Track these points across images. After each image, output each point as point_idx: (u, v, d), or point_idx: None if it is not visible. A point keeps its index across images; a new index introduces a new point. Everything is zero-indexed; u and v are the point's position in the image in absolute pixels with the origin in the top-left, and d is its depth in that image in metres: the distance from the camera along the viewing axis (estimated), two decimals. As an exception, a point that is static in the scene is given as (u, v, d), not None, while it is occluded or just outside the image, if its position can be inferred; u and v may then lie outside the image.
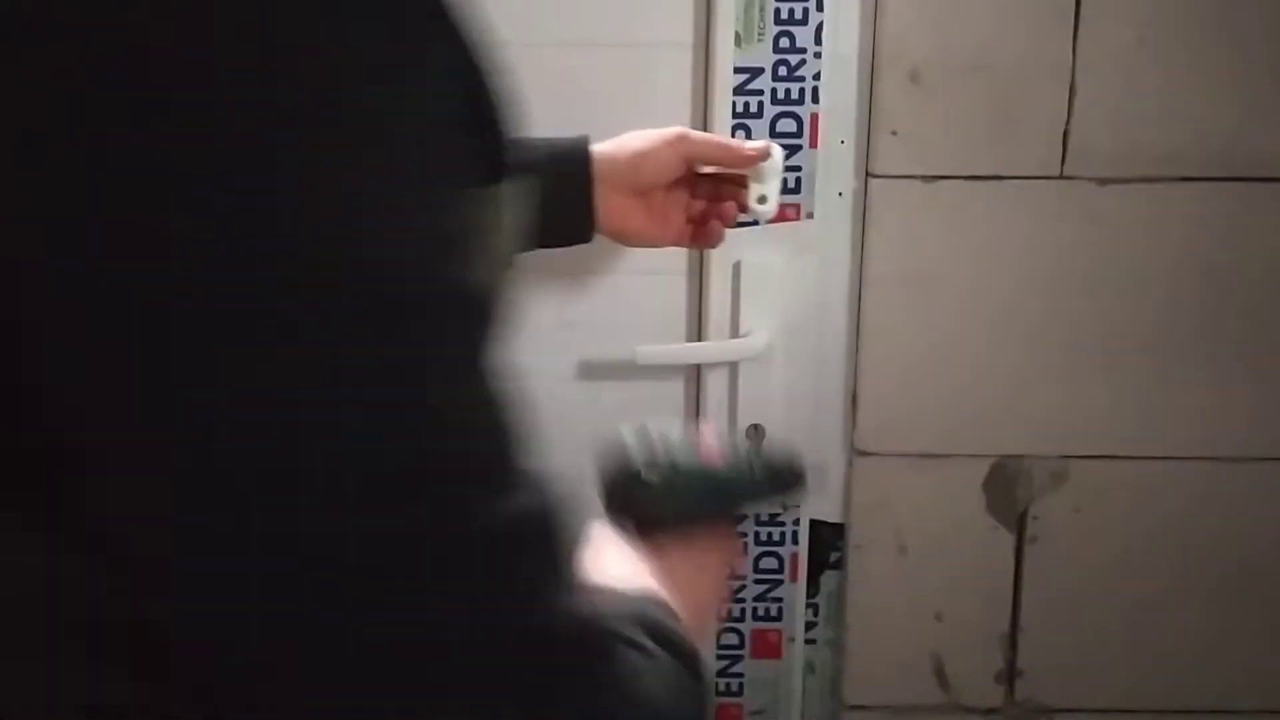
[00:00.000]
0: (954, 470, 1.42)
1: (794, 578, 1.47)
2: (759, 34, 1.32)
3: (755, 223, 1.27)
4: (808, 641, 1.50)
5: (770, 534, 1.46)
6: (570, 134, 1.18)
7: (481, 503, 0.40)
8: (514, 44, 0.52)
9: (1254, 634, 1.47)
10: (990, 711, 1.49)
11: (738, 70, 1.33)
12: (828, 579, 1.49)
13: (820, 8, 1.32)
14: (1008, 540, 1.44)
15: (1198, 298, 1.38)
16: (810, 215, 1.36)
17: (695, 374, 1.43)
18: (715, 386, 1.42)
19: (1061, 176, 1.34)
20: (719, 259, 1.38)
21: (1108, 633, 1.46)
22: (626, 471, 0.78)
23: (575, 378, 1.43)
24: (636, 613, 0.48)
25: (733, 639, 1.49)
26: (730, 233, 1.26)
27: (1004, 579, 1.45)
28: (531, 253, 0.53)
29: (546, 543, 0.43)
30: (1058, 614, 1.46)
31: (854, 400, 1.42)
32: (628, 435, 0.80)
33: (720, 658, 1.48)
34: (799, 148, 1.34)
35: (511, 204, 0.42)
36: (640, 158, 1.17)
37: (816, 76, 1.33)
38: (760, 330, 1.38)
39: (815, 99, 1.34)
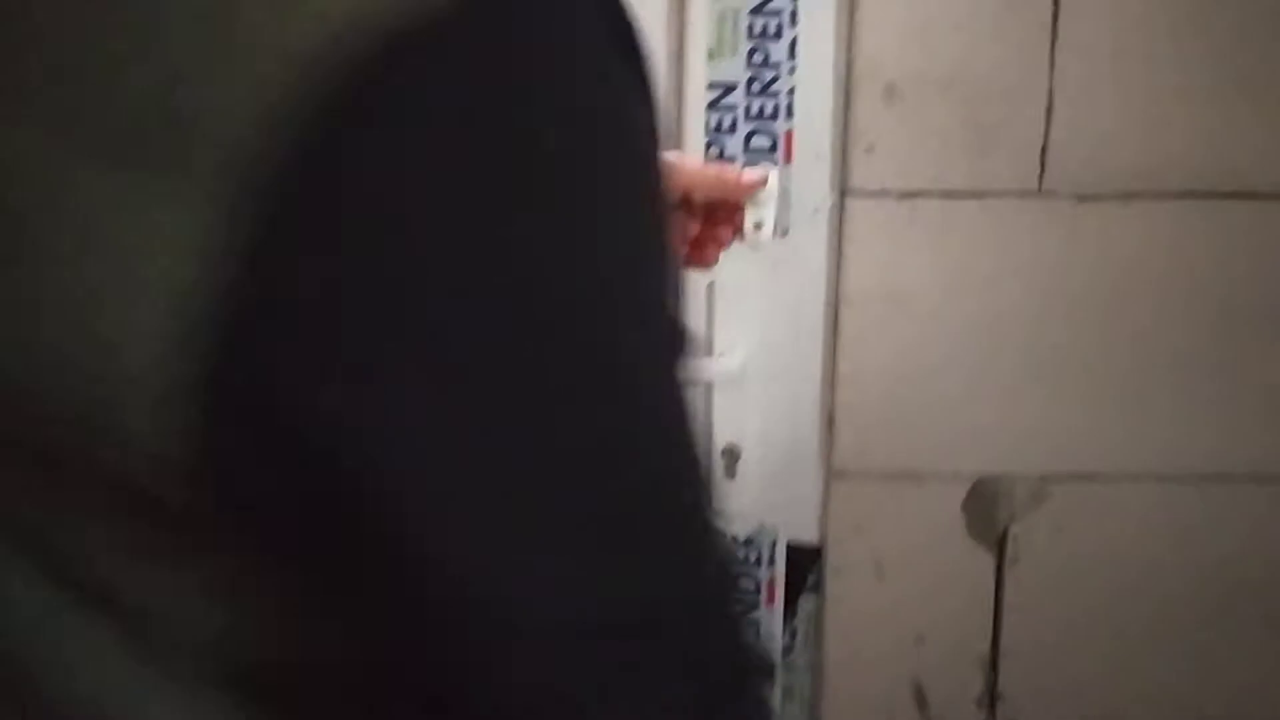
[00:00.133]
0: (933, 490, 1.41)
1: (771, 602, 1.45)
2: (732, 48, 1.30)
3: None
4: (785, 666, 1.48)
5: (746, 557, 1.44)
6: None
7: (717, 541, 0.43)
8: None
9: (1241, 655, 1.45)
10: (971, 736, 1.48)
11: (711, 85, 1.32)
12: (805, 602, 1.47)
13: (795, 22, 1.30)
14: (988, 561, 1.43)
15: (1180, 314, 1.37)
16: (785, 232, 1.35)
17: (670, 394, 1.40)
18: (690, 407, 1.39)
19: (1039, 193, 1.33)
20: (692, 278, 1.35)
21: (1090, 655, 1.45)
22: None
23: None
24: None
25: (709, 664, 1.46)
26: (704, 251, 1.24)
27: (984, 600, 1.44)
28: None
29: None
30: (1039, 636, 1.45)
31: (830, 420, 1.40)
32: None
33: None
34: (773, 164, 1.32)
35: None
36: None
37: (791, 92, 1.32)
38: (735, 350, 1.37)
39: (790, 114, 1.32)
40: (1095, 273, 1.35)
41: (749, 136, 1.33)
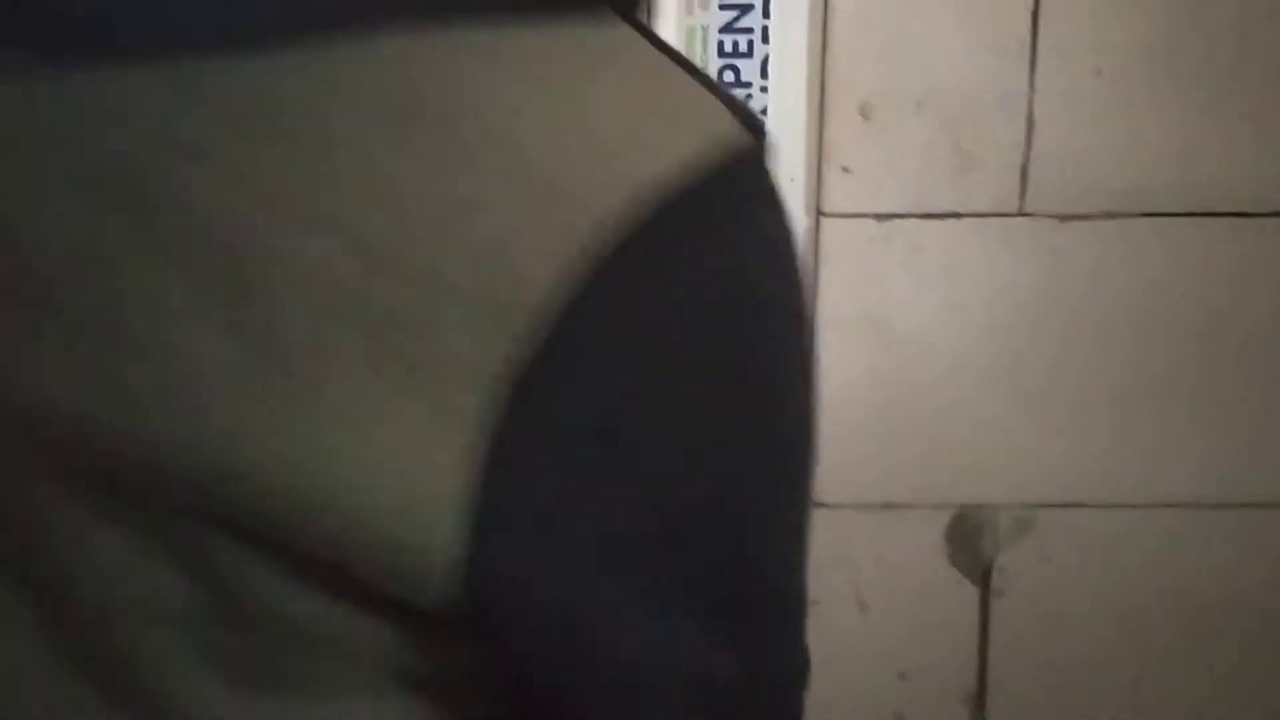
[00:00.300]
0: (915, 521, 1.38)
1: (749, 637, 1.41)
2: (702, 67, 1.28)
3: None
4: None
5: None
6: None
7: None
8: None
9: (1234, 688, 1.43)
10: (958, 775, 1.45)
11: None
12: None
13: (766, 39, 1.29)
14: (973, 594, 1.40)
15: (1166, 338, 1.35)
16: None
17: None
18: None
19: (1021, 213, 1.32)
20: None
21: (1080, 690, 1.43)
22: None
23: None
24: None
25: (686, 702, 1.43)
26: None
27: (969, 635, 1.41)
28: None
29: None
30: (1027, 671, 1.42)
31: None
32: None
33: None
34: None
35: None
36: None
37: (764, 112, 1.30)
38: None
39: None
40: (1080, 295, 1.34)
41: (720, 157, 1.30)
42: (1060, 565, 1.40)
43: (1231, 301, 1.35)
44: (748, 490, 0.44)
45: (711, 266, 0.41)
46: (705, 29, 1.28)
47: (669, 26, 1.28)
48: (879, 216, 1.31)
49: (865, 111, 1.29)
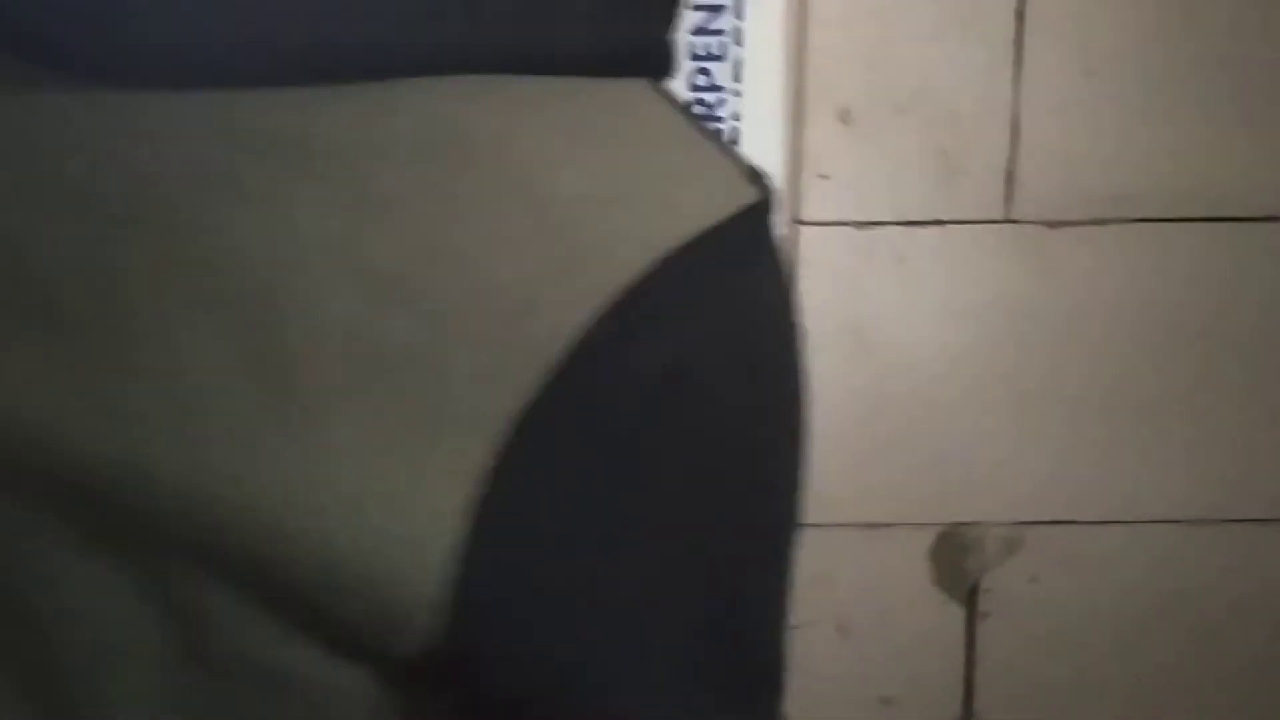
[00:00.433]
0: (898, 540, 1.37)
1: (727, 661, 1.40)
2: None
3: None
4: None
5: None
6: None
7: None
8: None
9: (1230, 709, 1.42)
10: (944, 802, 1.44)
11: None
12: None
13: (740, 41, 1.26)
14: (958, 616, 1.39)
15: (1158, 348, 1.34)
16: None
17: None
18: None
19: (1007, 220, 1.30)
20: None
21: (1070, 714, 1.42)
22: None
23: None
24: None
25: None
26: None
27: (955, 658, 1.40)
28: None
29: None
30: (1015, 695, 1.41)
31: None
32: None
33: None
34: None
35: None
36: None
37: (737, 117, 1.27)
38: None
39: (736, 141, 1.27)
40: (1068, 305, 1.32)
41: (693, 165, 1.27)
42: (1050, 585, 1.38)
43: (1226, 310, 1.33)
44: (740, 558, 0.46)
45: (725, 328, 0.43)
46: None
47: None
48: (860, 225, 1.30)
49: (844, 116, 1.27)
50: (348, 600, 0.41)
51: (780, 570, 0.48)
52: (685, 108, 0.47)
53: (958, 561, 1.38)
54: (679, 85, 1.25)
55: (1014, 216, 1.30)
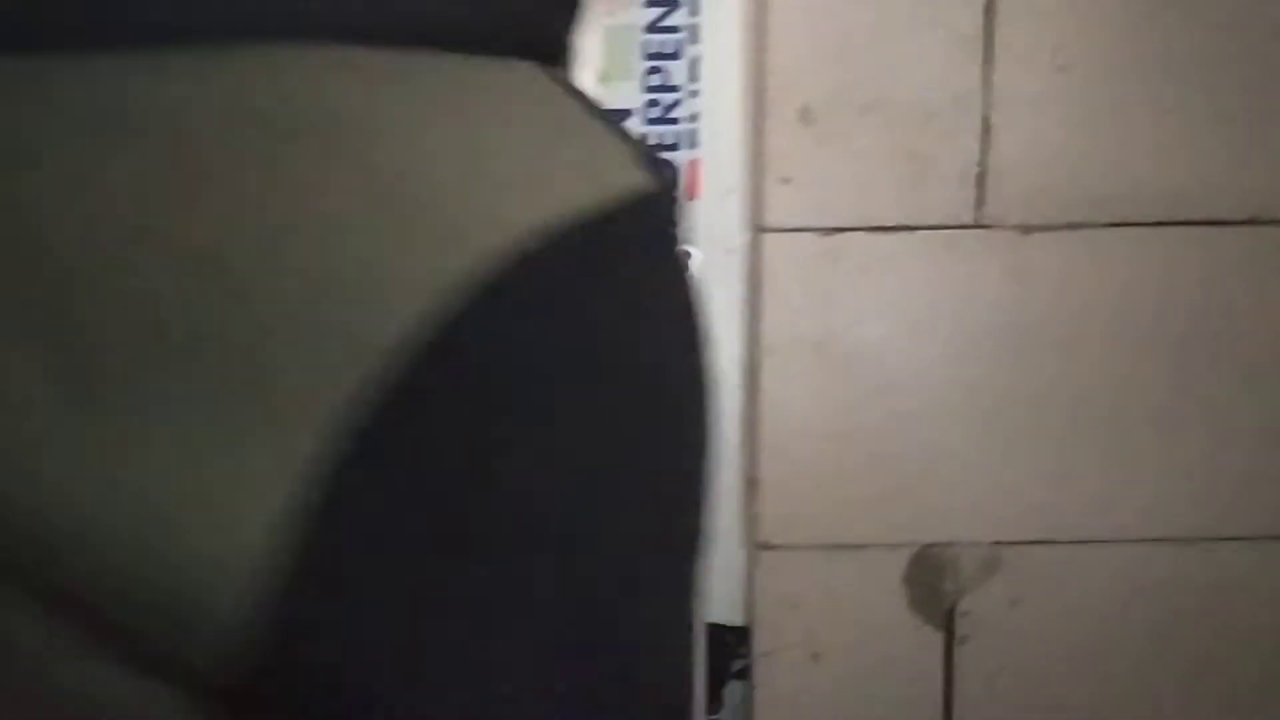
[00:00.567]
0: (871, 562, 1.34)
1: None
2: (626, 70, 1.20)
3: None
4: (713, 763, 1.42)
5: None
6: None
7: None
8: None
9: None
10: (923, 837, 1.41)
11: None
12: (732, 691, 1.39)
13: (697, 39, 1.22)
14: (935, 640, 1.36)
15: (1137, 358, 1.31)
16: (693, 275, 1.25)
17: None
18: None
19: (978, 225, 1.27)
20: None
21: None
22: None
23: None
24: None
25: (626, 764, 1.37)
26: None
27: (933, 685, 1.37)
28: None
29: None
30: None
31: (753, 486, 1.32)
32: None
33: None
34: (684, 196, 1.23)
35: None
36: None
37: (695, 118, 1.23)
38: None
39: (694, 144, 1.24)
40: (1042, 312, 1.30)
41: (648, 169, 1.23)
42: (1029, 607, 1.35)
43: (1205, 318, 1.30)
44: (616, 578, 0.41)
45: (593, 320, 0.39)
46: (629, 29, 1.20)
47: (586, 28, 1.19)
48: (824, 231, 1.26)
49: (807, 117, 1.24)
50: (155, 617, 0.38)
51: (666, 594, 0.43)
52: (582, 93, 0.43)
53: (934, 583, 1.34)
54: (632, 86, 1.20)
55: (985, 221, 1.27)
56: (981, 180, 1.26)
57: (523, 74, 0.42)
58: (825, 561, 1.33)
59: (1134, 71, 1.25)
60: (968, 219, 1.26)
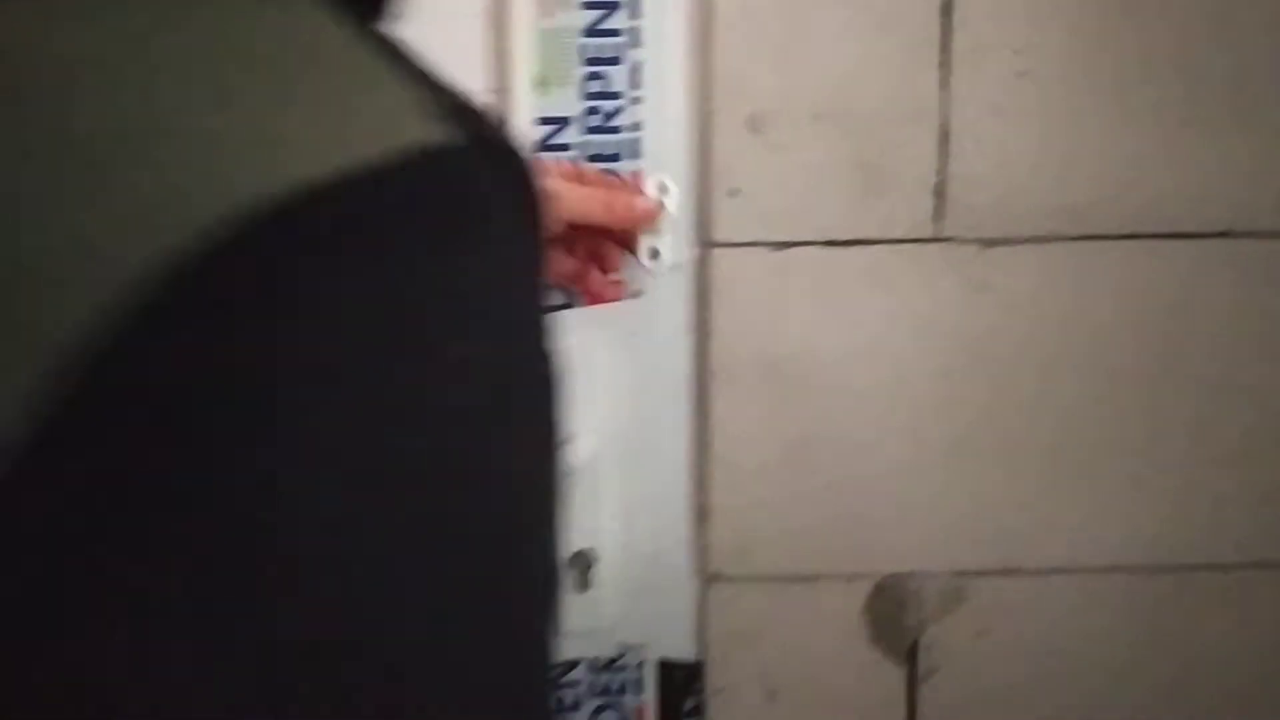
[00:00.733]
0: (828, 594, 1.30)
1: (643, 732, 1.35)
2: (563, 76, 1.15)
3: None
4: (665, 807, 1.38)
5: (609, 682, 1.31)
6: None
7: None
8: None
9: None
10: None
11: (543, 121, 1.17)
12: None
13: (638, 43, 1.17)
14: (897, 676, 1.32)
15: (1106, 378, 1.27)
16: (638, 294, 1.22)
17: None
18: (535, 505, 1.26)
19: (937, 238, 1.24)
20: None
21: None
22: None
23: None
24: None
25: (574, 809, 1.37)
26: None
27: None
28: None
29: None
30: None
31: (703, 515, 1.29)
32: None
33: (560, 832, 1.36)
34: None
35: None
36: None
37: (637, 127, 1.18)
38: (583, 435, 1.25)
39: (636, 154, 1.18)
40: (1006, 331, 1.26)
41: (588, 180, 1.18)
42: (996, 639, 1.32)
43: (1178, 335, 1.27)
44: (375, 573, 0.37)
45: (344, 292, 0.35)
46: (566, 32, 1.15)
47: (521, 28, 1.14)
48: (775, 245, 1.23)
49: (756, 125, 1.20)
50: None
51: (454, 633, 0.39)
52: (380, 37, 0.39)
53: (895, 616, 1.30)
54: (570, 93, 1.15)
55: (945, 234, 1.24)
56: (940, 191, 1.22)
57: (298, 15, 0.38)
58: (781, 593, 1.30)
59: (1101, 77, 1.22)
60: (926, 232, 1.23)
